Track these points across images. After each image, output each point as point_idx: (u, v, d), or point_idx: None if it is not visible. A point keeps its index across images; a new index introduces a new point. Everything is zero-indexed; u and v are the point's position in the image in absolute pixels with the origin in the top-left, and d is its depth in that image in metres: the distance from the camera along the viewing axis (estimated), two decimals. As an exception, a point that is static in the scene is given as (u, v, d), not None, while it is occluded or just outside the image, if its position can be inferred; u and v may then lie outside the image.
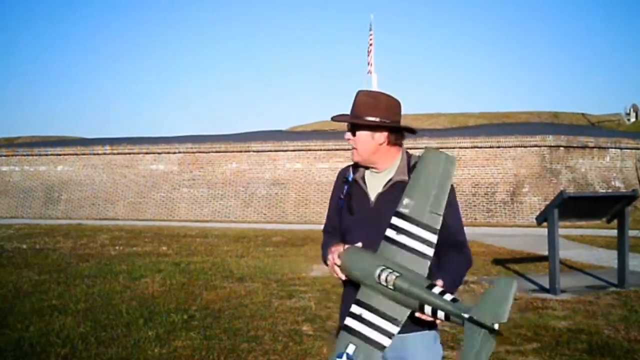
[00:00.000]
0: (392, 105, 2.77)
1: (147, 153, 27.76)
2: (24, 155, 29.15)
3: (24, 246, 14.78)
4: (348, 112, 2.80)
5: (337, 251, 2.62)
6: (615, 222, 9.37)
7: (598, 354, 5.74)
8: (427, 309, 2.41)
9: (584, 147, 25.00)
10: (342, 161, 24.39)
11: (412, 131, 2.83)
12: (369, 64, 38.58)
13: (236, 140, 28.39)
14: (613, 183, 25.00)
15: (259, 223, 23.46)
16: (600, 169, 25.14)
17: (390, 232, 2.58)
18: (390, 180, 2.74)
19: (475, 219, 23.26)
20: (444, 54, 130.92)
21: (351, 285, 2.68)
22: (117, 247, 14.60)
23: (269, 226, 20.74)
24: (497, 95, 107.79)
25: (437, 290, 2.43)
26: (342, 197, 2.84)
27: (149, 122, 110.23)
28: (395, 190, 2.69)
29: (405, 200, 2.59)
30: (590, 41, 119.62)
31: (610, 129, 34.59)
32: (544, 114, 39.78)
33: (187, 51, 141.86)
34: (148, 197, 27.06)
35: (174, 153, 27.44)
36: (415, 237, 2.55)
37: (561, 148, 24.62)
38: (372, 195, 2.75)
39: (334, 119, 2.84)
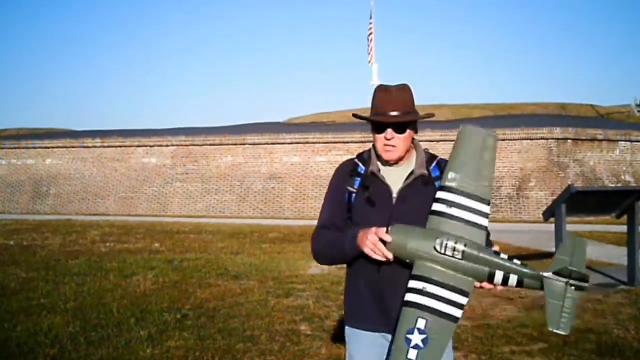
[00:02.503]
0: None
1: (138, 146, 27.73)
2: (11, 148, 29.11)
3: (11, 242, 14.77)
4: (353, 107, 2.81)
5: (379, 231, 2.61)
6: (625, 217, 9.36)
7: (607, 354, 5.74)
8: (498, 276, 2.49)
9: (593, 139, 25.00)
10: (342, 154, 24.39)
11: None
12: (369, 53, 38.54)
13: (231, 132, 28.35)
14: (623, 177, 25.02)
15: (255, 218, 23.44)
16: (609, 163, 25.15)
17: (439, 206, 2.64)
18: (412, 173, 2.82)
19: (480, 214, 23.27)
20: (447, 43, 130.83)
21: (360, 272, 2.76)
22: (107, 244, 14.60)
23: (265, 222, 20.72)
24: (502, 85, 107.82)
25: (504, 256, 2.53)
26: (353, 190, 2.85)
27: (141, 113, 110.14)
28: (418, 184, 2.79)
29: (450, 175, 2.66)
30: (599, 30, 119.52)
31: (620, 121, 34.60)
32: (551, 105, 39.77)
33: (181, 42, 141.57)
34: (140, 191, 27.04)
35: (167, 146, 27.42)
36: (468, 209, 2.61)
37: (569, 141, 24.62)
38: (394, 189, 2.81)
39: (375, 119, 2.78)
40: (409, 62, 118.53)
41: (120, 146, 27.88)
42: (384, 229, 2.61)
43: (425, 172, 2.80)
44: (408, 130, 2.77)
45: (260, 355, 5.82)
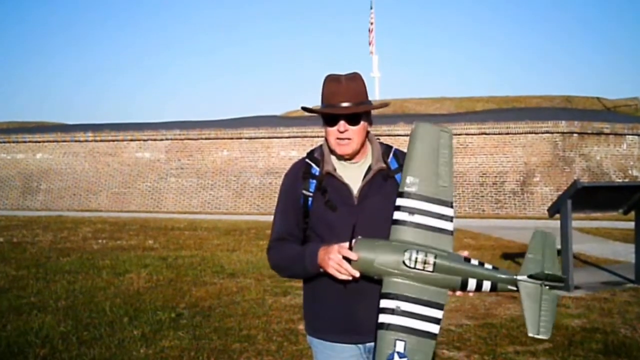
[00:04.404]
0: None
1: (132, 140, 27.70)
2: (1, 143, 29.07)
3: (1, 239, 14.75)
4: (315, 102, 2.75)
5: (342, 249, 2.50)
6: (632, 213, 9.36)
7: (614, 354, 5.75)
8: (472, 283, 2.46)
9: (599, 133, 25.00)
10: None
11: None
12: (370, 44, 38.53)
13: (227, 126, 28.32)
14: (630, 172, 25.03)
15: (252, 215, 23.46)
16: (616, 157, 25.16)
17: (401, 215, 2.55)
18: (370, 169, 2.73)
19: (483, 210, 23.28)
20: (449, 34, 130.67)
21: (324, 281, 2.67)
22: (100, 241, 14.59)
23: (262, 218, 20.74)
24: (506, 78, 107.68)
25: (475, 262, 2.49)
26: (310, 194, 2.72)
27: (134, 107, 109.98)
28: (378, 179, 2.70)
29: (408, 179, 2.58)
30: (605, 21, 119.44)
31: (627, 114, 34.56)
32: (556, 98, 39.71)
33: (175, 33, 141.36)
34: (133, 187, 27.03)
35: (161, 140, 27.38)
36: (431, 214, 2.55)
37: (575, 134, 24.62)
38: (354, 188, 2.70)
39: (326, 111, 2.67)
40: (411, 53, 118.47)
41: (113, 140, 27.85)
42: (347, 244, 2.50)
43: (384, 165, 2.72)
44: (362, 122, 2.68)
45: (257, 355, 5.82)
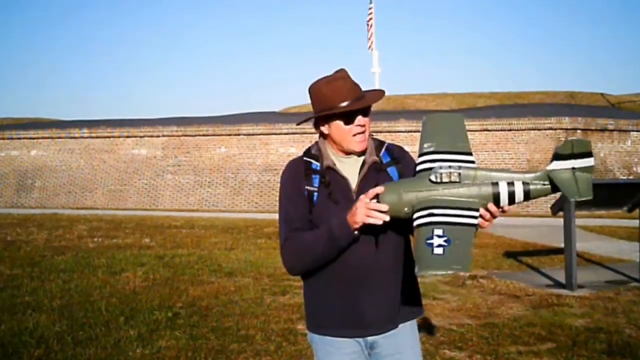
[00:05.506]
0: None
1: (128, 137, 27.67)
2: (-6, 139, 29.05)
3: (-6, 238, 14.76)
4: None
5: (367, 193, 2.53)
6: (637, 211, 9.36)
7: (618, 354, 5.75)
8: (503, 190, 2.48)
9: (603, 130, 25.00)
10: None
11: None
12: (369, 39, 38.50)
13: (225, 122, 28.31)
14: (635, 169, 25.03)
15: (250, 213, 23.44)
16: (620, 154, 25.15)
17: (422, 165, 2.63)
18: (364, 163, 2.77)
19: (485, 208, 23.28)
20: (450, 29, 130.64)
21: (326, 274, 2.74)
22: (95, 239, 14.59)
23: (260, 216, 20.69)
24: (508, 74, 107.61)
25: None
26: (314, 189, 2.74)
27: (130, 102, 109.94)
28: (372, 173, 2.75)
29: (426, 144, 2.69)
30: (609, 16, 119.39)
31: (632, 110, 34.55)
32: (559, 94, 39.70)
33: (172, 27, 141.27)
34: (129, 184, 27.01)
35: (158, 137, 27.36)
36: (454, 160, 2.61)
37: (578, 131, 24.62)
38: (352, 183, 2.75)
39: (353, 107, 2.68)
40: (411, 48, 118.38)
41: (109, 137, 27.82)
42: (371, 192, 2.54)
43: (377, 158, 2.77)
44: (370, 117, 2.76)
45: (255, 355, 5.82)
